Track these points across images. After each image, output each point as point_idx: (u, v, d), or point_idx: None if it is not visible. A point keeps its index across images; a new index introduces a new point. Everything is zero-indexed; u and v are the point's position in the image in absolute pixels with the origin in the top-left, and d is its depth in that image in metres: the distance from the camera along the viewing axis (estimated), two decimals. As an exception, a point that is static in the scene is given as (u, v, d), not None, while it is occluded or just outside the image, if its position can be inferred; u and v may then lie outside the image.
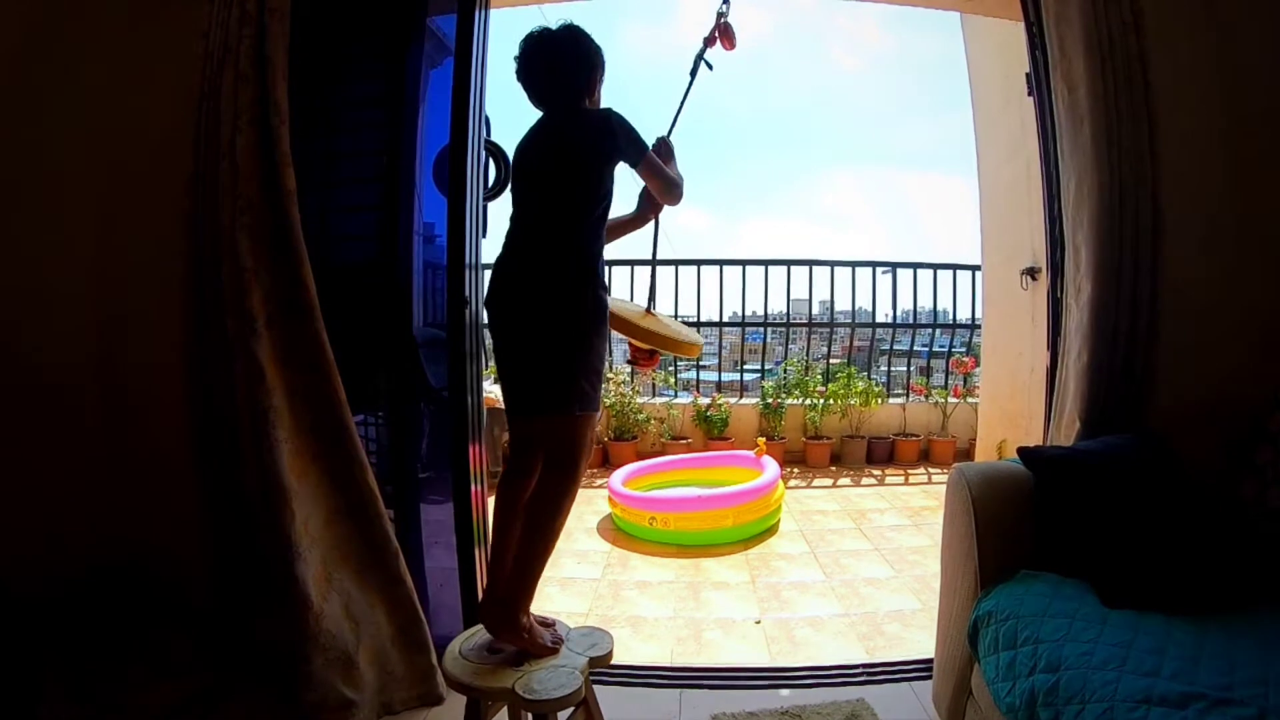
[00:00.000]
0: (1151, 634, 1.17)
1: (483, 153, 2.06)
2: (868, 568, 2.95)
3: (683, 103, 2.04)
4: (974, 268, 5.04)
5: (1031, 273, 2.96)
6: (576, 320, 1.52)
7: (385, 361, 2.01)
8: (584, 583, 2.85)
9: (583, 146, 1.57)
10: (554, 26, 1.64)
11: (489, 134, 2.72)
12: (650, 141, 1.71)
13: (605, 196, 1.60)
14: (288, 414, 1.75)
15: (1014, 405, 3.19)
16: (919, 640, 2.29)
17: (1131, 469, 1.46)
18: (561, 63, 1.62)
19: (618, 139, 1.56)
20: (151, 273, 1.83)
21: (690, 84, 2.08)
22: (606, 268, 1.66)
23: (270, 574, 1.72)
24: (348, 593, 1.82)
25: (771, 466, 3.64)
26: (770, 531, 3.42)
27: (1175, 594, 1.31)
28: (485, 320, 1.74)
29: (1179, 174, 1.81)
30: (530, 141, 1.65)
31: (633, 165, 1.63)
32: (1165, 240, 1.79)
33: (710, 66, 2.11)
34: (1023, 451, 1.55)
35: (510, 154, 1.86)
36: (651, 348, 2.00)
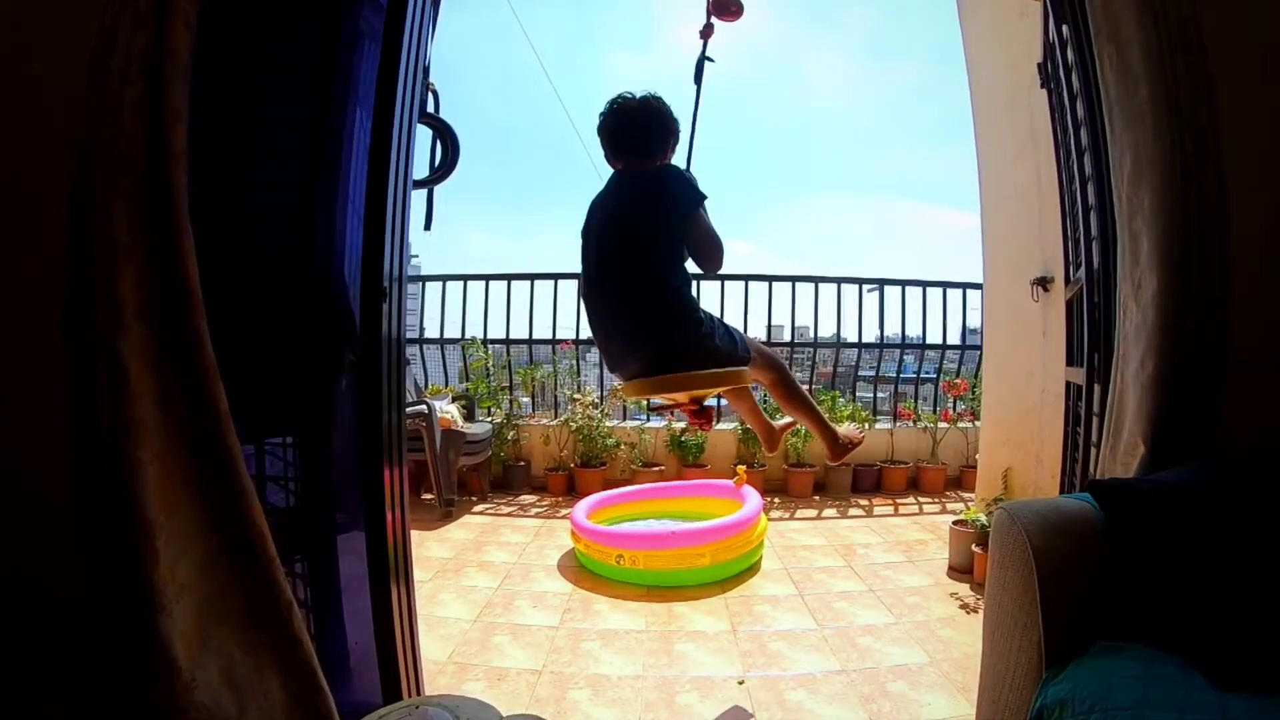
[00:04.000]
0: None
1: (414, 109, 1.70)
2: (864, 613, 2.59)
3: (695, 115, 2.03)
4: (966, 285, 4.80)
5: (1043, 283, 2.67)
6: (709, 334, 1.72)
7: (302, 372, 1.62)
8: (539, 632, 2.44)
9: (663, 191, 1.72)
10: (641, 96, 1.77)
11: (436, 109, 2.38)
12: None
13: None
14: (157, 428, 1.35)
15: (1023, 430, 2.88)
16: (931, 703, 1.94)
17: (1242, 507, 1.12)
18: (651, 130, 1.77)
19: (681, 186, 1.73)
20: (26, 254, 1.42)
21: (698, 92, 2.08)
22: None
23: (129, 630, 1.33)
24: (228, 655, 1.41)
25: (753, 497, 3.28)
26: (752, 570, 3.05)
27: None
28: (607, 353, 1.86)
29: (1244, 150, 1.52)
30: (610, 196, 1.79)
31: (688, 214, 1.71)
32: (1233, 225, 1.48)
33: (712, 60, 2.09)
34: (1097, 486, 1.20)
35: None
36: (691, 396, 1.92)
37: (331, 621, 1.68)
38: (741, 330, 1.88)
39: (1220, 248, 1.45)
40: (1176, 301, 1.39)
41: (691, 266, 1.76)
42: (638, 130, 1.76)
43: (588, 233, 1.81)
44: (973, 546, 2.86)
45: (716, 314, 1.80)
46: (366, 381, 1.49)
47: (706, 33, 2.17)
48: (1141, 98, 1.51)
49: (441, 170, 2.19)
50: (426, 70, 2.37)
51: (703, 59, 2.10)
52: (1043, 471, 2.67)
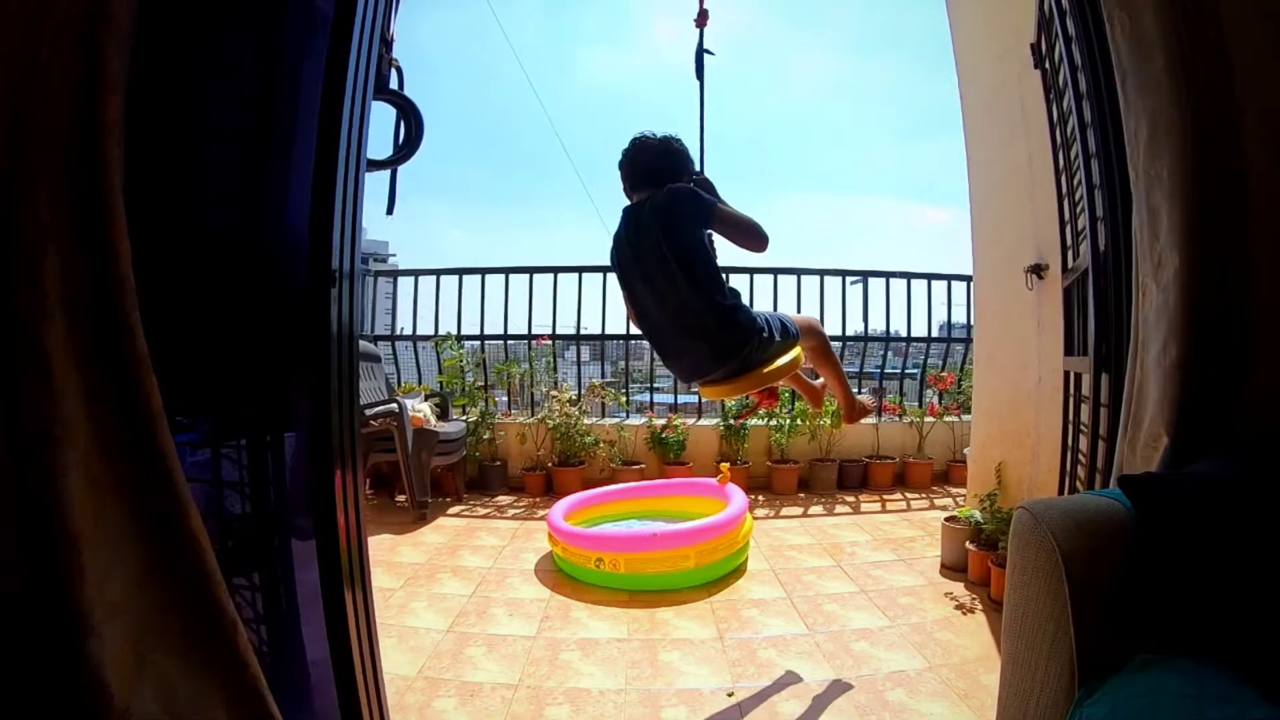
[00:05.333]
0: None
1: (369, 81, 1.54)
2: (856, 615, 2.47)
3: (702, 112, 2.06)
4: (951, 277, 4.72)
5: (1038, 270, 2.57)
6: (769, 337, 1.83)
7: (250, 367, 1.45)
8: (515, 642, 2.29)
9: (675, 213, 1.78)
10: (661, 135, 1.91)
11: (401, 85, 2.22)
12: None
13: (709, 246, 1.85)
14: (83, 429, 1.18)
15: (1017, 423, 2.78)
16: (933, 713, 1.83)
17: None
18: (665, 168, 1.88)
19: (684, 202, 1.79)
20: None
21: (701, 87, 2.07)
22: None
23: (55, 654, 1.17)
24: (167, 681, 1.24)
25: (738, 496, 3.15)
26: (738, 572, 2.92)
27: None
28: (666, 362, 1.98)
29: (1260, 119, 1.41)
30: (632, 234, 1.86)
31: (708, 219, 1.80)
32: (1253, 199, 1.38)
33: (711, 53, 2.09)
34: (1130, 482, 1.08)
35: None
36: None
37: (288, 639, 1.53)
38: (782, 312, 2.02)
39: (1243, 219, 1.34)
40: (1203, 283, 1.28)
41: (738, 254, 1.95)
42: (654, 168, 1.87)
43: (625, 273, 1.90)
44: (966, 544, 2.76)
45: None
46: (315, 376, 1.33)
47: (701, 20, 2.13)
48: (1158, 66, 1.40)
49: (405, 150, 2.02)
50: (389, 44, 2.21)
51: (701, 51, 2.08)
52: (1039, 465, 2.58)
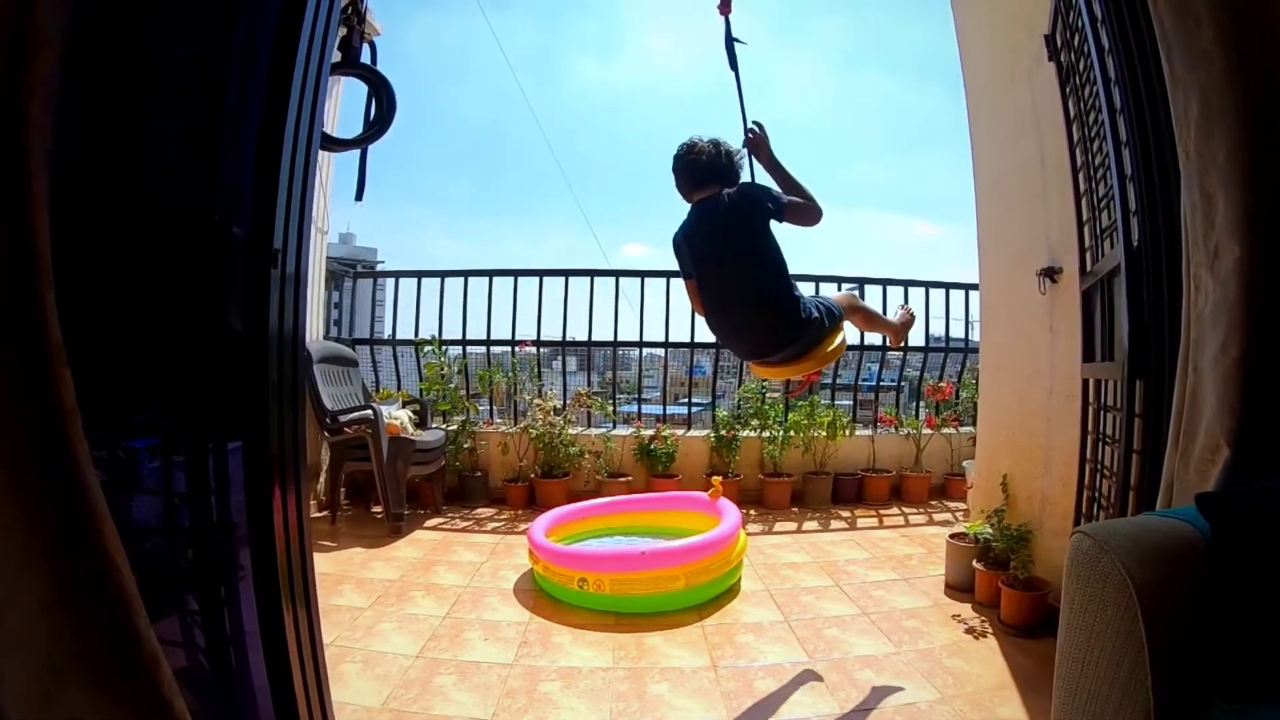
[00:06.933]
0: None
1: (327, 46, 1.37)
2: (859, 641, 2.30)
3: (742, 102, 2.08)
4: (949, 285, 4.59)
5: (1050, 273, 2.42)
6: (822, 323, 2.01)
7: (187, 360, 1.27)
8: (490, 670, 2.10)
9: (745, 209, 1.95)
10: (709, 139, 2.03)
11: (374, 60, 2.05)
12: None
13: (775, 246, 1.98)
14: None
15: (1026, 434, 2.63)
16: (948, 755, 1.65)
17: None
18: (725, 164, 2.03)
19: (754, 196, 1.97)
20: None
21: (737, 77, 2.07)
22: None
23: None
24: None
25: (731, 512, 2.97)
26: (731, 593, 2.74)
27: None
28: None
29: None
30: (703, 230, 2.02)
31: (780, 217, 1.96)
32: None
33: (742, 41, 2.07)
34: (1209, 500, 0.92)
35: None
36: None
37: (235, 670, 1.34)
38: (824, 296, 2.17)
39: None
40: (1266, 270, 1.13)
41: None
42: (718, 167, 2.01)
43: (699, 261, 2.03)
44: (974, 563, 2.60)
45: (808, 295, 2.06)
46: (253, 372, 1.15)
47: (725, 8, 2.05)
48: (1207, 37, 1.26)
49: (375, 128, 1.86)
50: (362, 16, 2.04)
51: (731, 41, 2.07)
52: (1052, 479, 2.43)
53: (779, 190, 2.00)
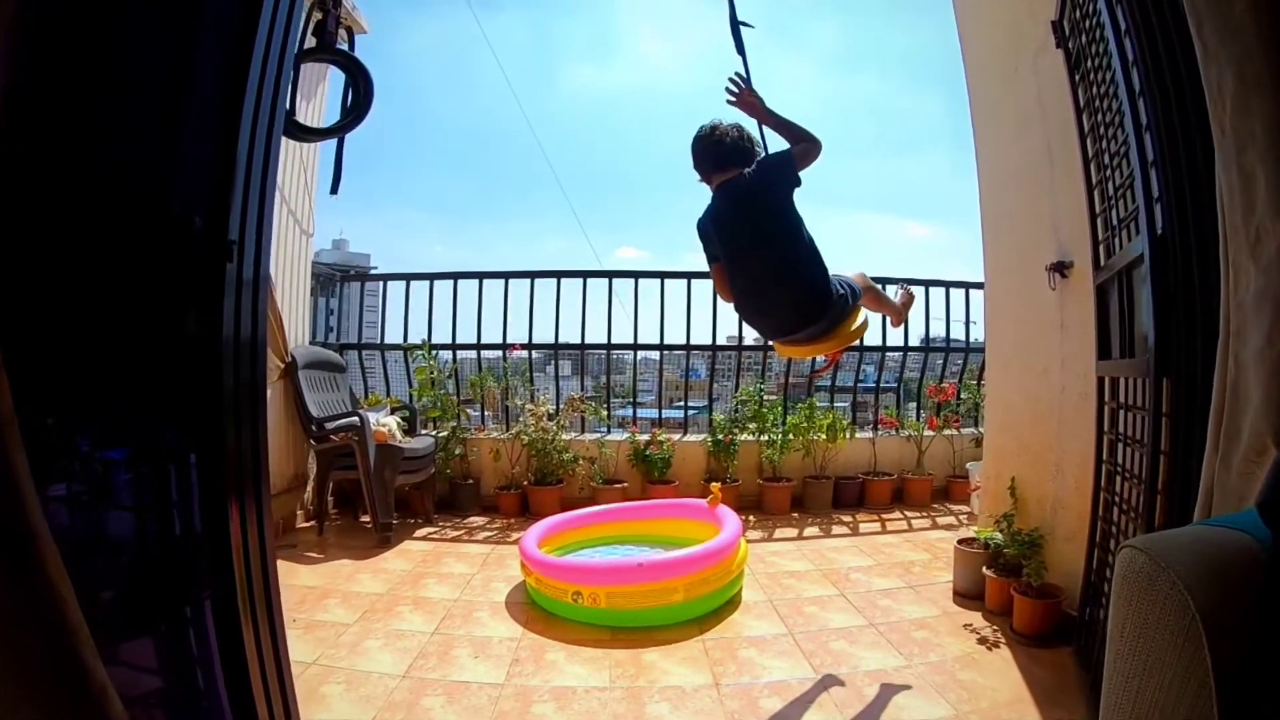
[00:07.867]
0: None
1: (291, 26, 1.27)
2: (868, 654, 2.20)
3: (749, 80, 2.01)
4: (949, 283, 4.50)
5: (1060, 268, 2.33)
6: (845, 302, 1.98)
7: (145, 360, 1.16)
8: (479, 691, 1.99)
9: (772, 180, 1.93)
10: (729, 123, 1.99)
11: (351, 47, 1.95)
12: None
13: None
14: None
15: (1036, 436, 2.54)
16: (968, 779, 1.54)
17: None
18: (744, 145, 1.99)
19: (771, 169, 1.94)
20: None
21: (745, 63, 2.00)
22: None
23: None
24: None
25: (731, 519, 2.87)
26: (732, 605, 2.64)
27: None
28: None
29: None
30: (727, 200, 1.99)
31: (798, 182, 1.92)
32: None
33: (750, 25, 2.02)
34: (1274, 508, 0.82)
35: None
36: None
37: (195, 694, 1.23)
38: (840, 273, 2.10)
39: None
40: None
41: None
42: (738, 148, 1.97)
43: (725, 242, 1.99)
44: (984, 569, 2.50)
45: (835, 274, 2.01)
46: (206, 376, 1.04)
47: None
48: (1240, 7, 1.17)
49: (351, 116, 1.76)
50: (338, 2, 1.94)
51: (736, 24, 2.01)
52: (1064, 482, 2.33)
53: (787, 153, 1.94)
